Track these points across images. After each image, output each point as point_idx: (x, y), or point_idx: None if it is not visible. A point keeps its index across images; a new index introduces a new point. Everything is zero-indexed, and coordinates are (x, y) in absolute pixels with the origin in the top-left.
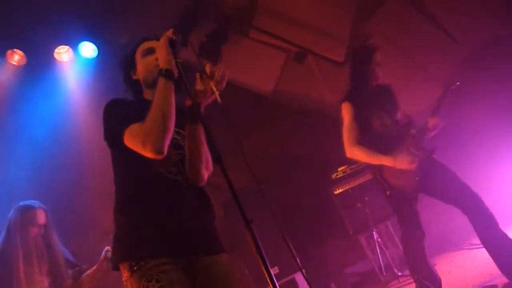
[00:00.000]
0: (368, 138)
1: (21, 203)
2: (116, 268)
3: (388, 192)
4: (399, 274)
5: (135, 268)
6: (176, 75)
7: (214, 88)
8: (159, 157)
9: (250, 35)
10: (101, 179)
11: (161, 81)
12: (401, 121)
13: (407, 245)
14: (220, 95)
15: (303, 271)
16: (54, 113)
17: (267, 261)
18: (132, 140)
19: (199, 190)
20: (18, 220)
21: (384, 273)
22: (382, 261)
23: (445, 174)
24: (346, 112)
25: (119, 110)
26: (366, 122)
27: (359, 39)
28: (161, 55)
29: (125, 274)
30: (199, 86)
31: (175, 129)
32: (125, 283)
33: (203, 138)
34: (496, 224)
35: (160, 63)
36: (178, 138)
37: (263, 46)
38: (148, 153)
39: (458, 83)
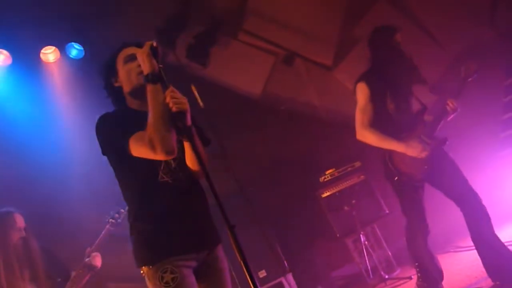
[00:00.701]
0: (381, 121)
1: None
2: (138, 267)
3: (396, 178)
4: (386, 277)
5: (151, 265)
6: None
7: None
8: (171, 156)
9: (239, 38)
10: (86, 182)
11: (149, 87)
12: (416, 108)
13: (410, 236)
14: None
15: (291, 273)
16: (39, 114)
17: (249, 265)
18: (140, 147)
19: (197, 189)
20: None
21: (371, 276)
22: (369, 264)
23: (451, 167)
24: (361, 93)
25: (116, 124)
26: (381, 104)
27: (347, 43)
28: (145, 64)
29: (143, 269)
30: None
31: None
32: (142, 275)
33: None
34: (490, 226)
35: (144, 70)
36: None
37: (251, 49)
38: (159, 156)
39: (476, 75)
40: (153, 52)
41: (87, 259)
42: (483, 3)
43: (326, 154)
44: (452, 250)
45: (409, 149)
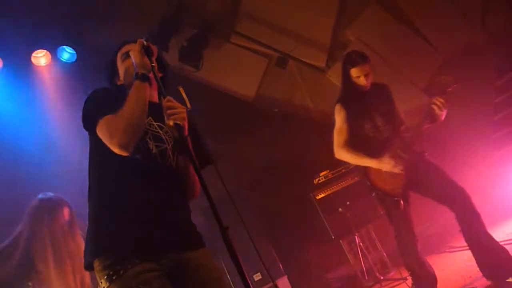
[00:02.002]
0: (357, 141)
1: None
2: (90, 267)
3: (374, 194)
4: (381, 278)
5: (114, 277)
6: (151, 78)
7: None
8: (124, 153)
9: (232, 40)
10: (79, 185)
11: (136, 83)
12: (394, 122)
13: (400, 246)
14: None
15: (286, 275)
16: (31, 117)
17: (243, 267)
18: (103, 131)
19: (178, 183)
20: (45, 207)
21: (366, 277)
22: (364, 265)
23: (434, 173)
24: (338, 115)
25: (99, 99)
26: (357, 125)
27: (340, 45)
28: (136, 61)
29: (102, 283)
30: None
31: (158, 123)
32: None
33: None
34: (482, 224)
35: (136, 68)
36: (161, 132)
37: (245, 51)
38: (113, 148)
39: (455, 85)
40: (146, 50)
41: None
42: (475, 5)
43: (320, 156)
44: (446, 250)
45: (381, 165)
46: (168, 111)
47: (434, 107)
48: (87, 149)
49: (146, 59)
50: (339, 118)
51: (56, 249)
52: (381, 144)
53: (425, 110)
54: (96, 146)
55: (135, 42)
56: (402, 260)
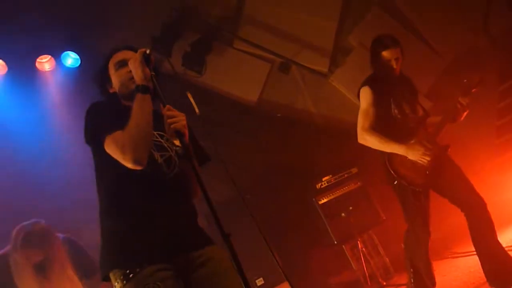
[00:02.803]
0: (383, 125)
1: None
2: (107, 278)
3: (396, 182)
4: (384, 283)
5: (130, 276)
6: (151, 88)
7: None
8: (138, 167)
9: (235, 45)
10: (82, 190)
11: (137, 96)
12: (419, 113)
13: (409, 242)
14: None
15: (290, 281)
16: (35, 123)
17: (245, 274)
18: (113, 149)
19: (184, 189)
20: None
21: (369, 282)
22: (367, 271)
23: (455, 172)
24: (364, 97)
25: (102, 114)
26: (384, 109)
27: (342, 50)
28: (137, 72)
29: (117, 284)
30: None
31: (157, 132)
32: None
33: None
34: (493, 231)
35: (136, 80)
36: (162, 140)
37: (247, 56)
38: (127, 163)
39: (474, 90)
40: (146, 59)
41: None
42: (477, 10)
43: (323, 161)
44: (449, 256)
45: (410, 152)
46: (169, 120)
47: (459, 106)
48: (88, 151)
49: (147, 70)
50: (366, 100)
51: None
52: (409, 131)
53: (449, 109)
54: (102, 161)
55: (127, 48)
56: (407, 257)
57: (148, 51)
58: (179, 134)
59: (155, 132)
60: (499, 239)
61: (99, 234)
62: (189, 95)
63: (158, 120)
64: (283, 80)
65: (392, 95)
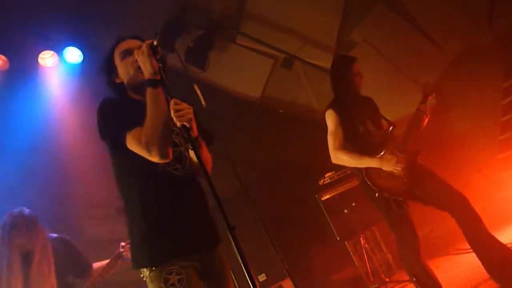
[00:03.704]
0: (353, 143)
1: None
2: (138, 268)
3: (377, 194)
4: (387, 280)
5: (157, 265)
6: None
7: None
8: (166, 160)
9: (237, 41)
10: (85, 186)
11: (149, 91)
12: (385, 127)
13: (402, 252)
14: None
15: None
16: (38, 119)
17: (249, 267)
18: (136, 145)
19: (197, 184)
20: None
21: (371, 279)
22: (369, 267)
23: (430, 179)
24: (330, 119)
25: (116, 112)
26: (351, 128)
27: (345, 46)
28: (145, 65)
29: (145, 272)
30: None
31: None
32: (144, 280)
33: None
34: (483, 226)
35: (145, 74)
36: (172, 135)
37: (250, 52)
38: (154, 158)
39: (433, 94)
40: (153, 51)
41: (121, 250)
42: (481, 6)
43: (326, 157)
44: (452, 252)
45: (383, 163)
46: (175, 114)
47: (419, 113)
48: (90, 147)
49: (154, 62)
50: (332, 122)
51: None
52: (377, 146)
53: (413, 117)
54: (120, 158)
55: (133, 37)
56: (404, 266)
57: (155, 42)
58: (185, 128)
59: None
60: (503, 236)
61: (100, 230)
62: (196, 87)
63: None
64: (286, 76)
65: (355, 114)
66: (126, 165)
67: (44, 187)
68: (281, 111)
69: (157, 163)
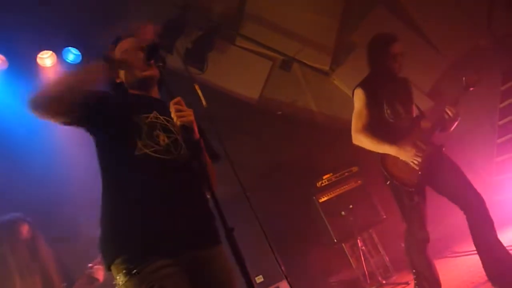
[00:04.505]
0: (377, 126)
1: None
2: (109, 268)
3: (389, 182)
4: (384, 282)
5: (133, 272)
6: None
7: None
8: (53, 115)
9: (236, 43)
10: (82, 188)
11: (96, 61)
12: (414, 114)
13: (408, 243)
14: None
15: (288, 279)
16: (35, 119)
17: (247, 269)
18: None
19: (193, 175)
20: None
21: (368, 281)
22: (367, 269)
23: (452, 171)
24: (358, 99)
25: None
26: (378, 110)
27: (344, 49)
28: (130, 58)
29: (120, 278)
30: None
31: (165, 117)
32: (115, 284)
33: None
34: (493, 229)
35: (121, 56)
36: (168, 124)
37: (249, 54)
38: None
39: (477, 85)
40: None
41: (89, 271)
42: (480, 10)
43: (323, 159)
44: (449, 255)
45: (401, 153)
46: (176, 113)
47: (446, 116)
48: (88, 147)
49: (140, 56)
50: (359, 102)
51: (22, 269)
52: (402, 132)
53: (437, 117)
54: (103, 145)
55: (131, 36)
56: (408, 258)
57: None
58: (184, 128)
59: (161, 117)
60: (501, 239)
61: (98, 231)
62: (197, 87)
63: (164, 107)
64: (285, 78)
65: (386, 96)
66: (106, 151)
67: (40, 188)
68: (280, 112)
69: (137, 146)
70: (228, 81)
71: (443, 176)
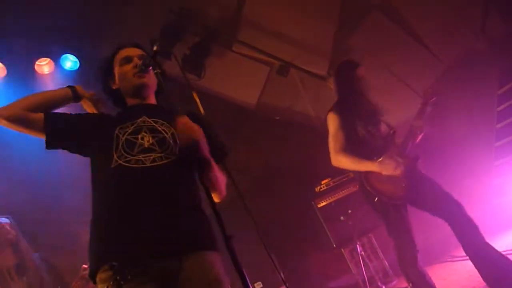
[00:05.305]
0: (353, 146)
1: None
2: (93, 278)
3: (376, 199)
4: (383, 287)
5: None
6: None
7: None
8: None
9: (234, 49)
10: (79, 193)
11: (66, 90)
12: (386, 132)
13: (400, 256)
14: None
15: (287, 285)
16: None
17: (246, 277)
18: None
19: (184, 175)
20: None
21: (368, 286)
22: (366, 274)
23: (428, 185)
24: (332, 122)
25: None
26: (352, 131)
27: (341, 53)
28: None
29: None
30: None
31: (153, 118)
32: None
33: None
34: (479, 234)
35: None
36: (156, 125)
37: (246, 60)
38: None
39: (435, 98)
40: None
41: (83, 273)
42: (475, 13)
43: (322, 164)
44: (448, 260)
45: (383, 168)
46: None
47: (413, 129)
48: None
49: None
50: (333, 125)
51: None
52: (377, 149)
53: (408, 132)
54: (89, 161)
55: (133, 45)
56: (402, 272)
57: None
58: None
59: (149, 119)
60: (500, 242)
61: None
62: (195, 95)
63: (156, 111)
64: (282, 83)
65: (357, 117)
66: (90, 169)
67: (37, 194)
68: (277, 118)
69: (111, 159)
70: (225, 87)
71: (421, 191)
